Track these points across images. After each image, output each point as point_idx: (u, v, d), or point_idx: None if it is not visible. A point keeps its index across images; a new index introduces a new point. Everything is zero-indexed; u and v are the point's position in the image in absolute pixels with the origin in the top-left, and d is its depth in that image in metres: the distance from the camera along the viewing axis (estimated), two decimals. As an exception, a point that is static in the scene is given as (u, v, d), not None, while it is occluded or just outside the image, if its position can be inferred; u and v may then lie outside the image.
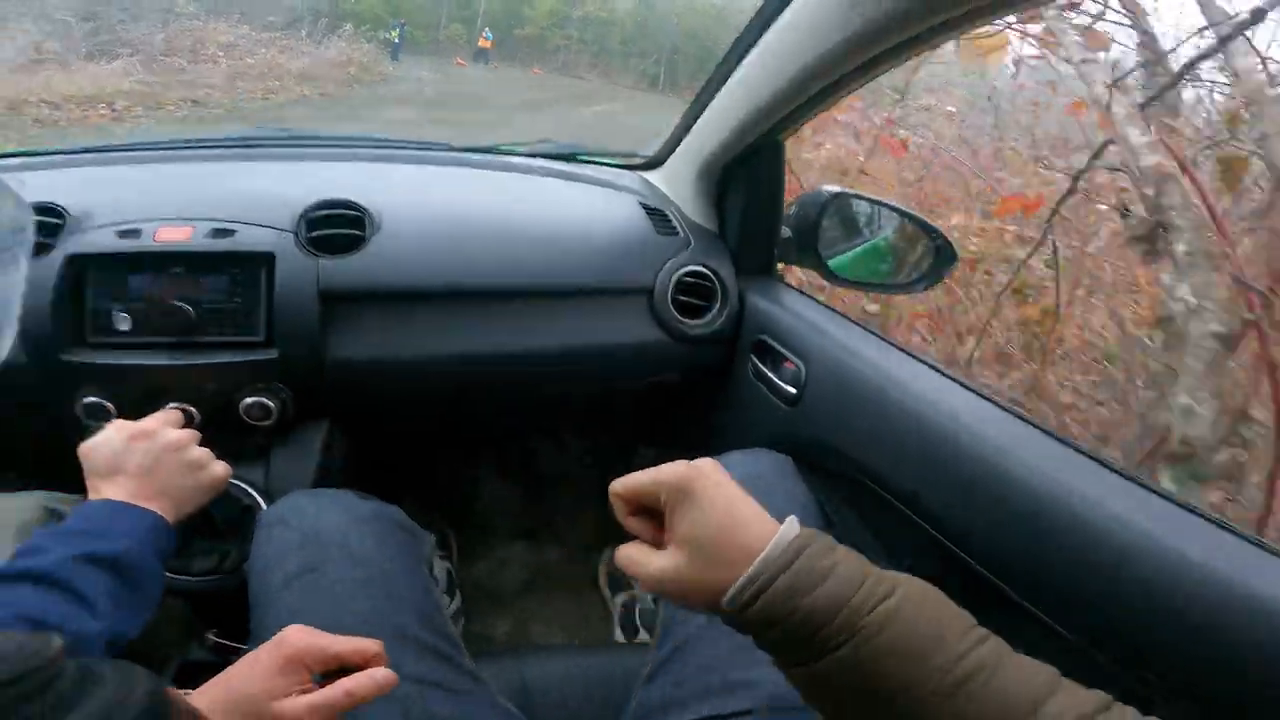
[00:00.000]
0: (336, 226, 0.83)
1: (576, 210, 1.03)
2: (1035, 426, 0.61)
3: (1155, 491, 0.51)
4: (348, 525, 0.62)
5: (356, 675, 0.42)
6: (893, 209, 1.01)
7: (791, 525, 0.35)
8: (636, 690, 0.58)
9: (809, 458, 0.86)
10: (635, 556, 0.38)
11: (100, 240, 0.74)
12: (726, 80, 0.83)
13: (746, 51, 0.77)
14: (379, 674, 0.42)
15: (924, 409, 0.66)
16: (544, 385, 0.96)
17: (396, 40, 17.28)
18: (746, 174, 0.97)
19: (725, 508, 0.36)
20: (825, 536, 0.35)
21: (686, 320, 0.96)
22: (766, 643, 0.34)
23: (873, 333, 0.83)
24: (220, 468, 0.63)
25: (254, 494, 0.79)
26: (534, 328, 0.90)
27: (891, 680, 0.30)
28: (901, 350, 0.77)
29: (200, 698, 0.41)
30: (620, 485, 0.40)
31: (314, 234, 0.81)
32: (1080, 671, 0.32)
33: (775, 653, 0.34)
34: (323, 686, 0.42)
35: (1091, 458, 0.56)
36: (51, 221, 0.78)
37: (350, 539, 0.60)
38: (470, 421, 1.12)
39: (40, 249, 0.75)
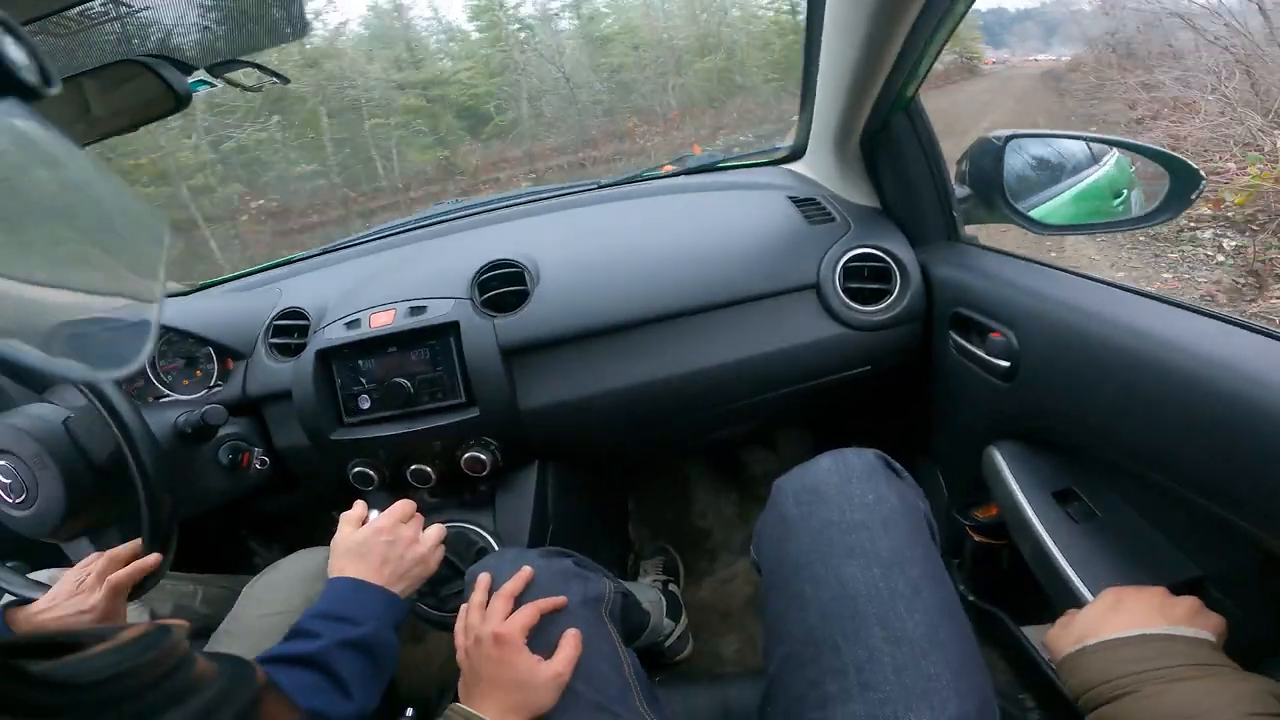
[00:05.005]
0: (505, 285, 0.95)
1: (723, 221, 1.05)
2: None
3: None
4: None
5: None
6: (1097, 140, 0.93)
7: None
8: None
9: (1042, 436, 0.78)
10: None
11: (334, 334, 0.94)
12: (819, 49, 0.81)
13: (820, 13, 0.75)
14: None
15: (1172, 355, 0.57)
16: (726, 398, 0.98)
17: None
18: (889, 140, 0.91)
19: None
20: None
21: (864, 308, 0.93)
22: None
23: (1090, 278, 0.73)
24: (436, 557, 0.78)
25: (487, 537, 0.94)
26: (700, 346, 0.93)
27: None
28: (1131, 290, 0.67)
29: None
30: None
31: (486, 296, 0.95)
32: None
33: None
34: None
35: None
36: (301, 324, 1.02)
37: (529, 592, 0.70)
38: (667, 442, 1.19)
39: (297, 349, 0.99)
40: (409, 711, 0.75)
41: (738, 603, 1.38)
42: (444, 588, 0.91)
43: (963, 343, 0.86)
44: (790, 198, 1.05)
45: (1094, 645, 0.54)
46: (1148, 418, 0.60)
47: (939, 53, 0.77)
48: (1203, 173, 0.79)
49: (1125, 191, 0.92)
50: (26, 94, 0.23)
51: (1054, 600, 0.71)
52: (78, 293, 0.25)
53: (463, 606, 0.69)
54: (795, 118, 1.08)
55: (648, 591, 1.23)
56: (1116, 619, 0.55)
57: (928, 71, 0.81)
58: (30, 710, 0.17)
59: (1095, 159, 0.97)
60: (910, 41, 0.73)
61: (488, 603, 0.67)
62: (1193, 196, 0.80)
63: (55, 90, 0.24)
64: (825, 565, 0.60)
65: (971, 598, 0.99)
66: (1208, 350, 0.55)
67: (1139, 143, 0.86)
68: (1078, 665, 0.54)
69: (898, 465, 0.70)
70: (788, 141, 1.20)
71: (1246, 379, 0.51)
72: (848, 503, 0.63)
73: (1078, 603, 0.63)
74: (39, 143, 0.25)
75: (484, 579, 0.69)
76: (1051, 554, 0.71)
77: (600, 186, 1.26)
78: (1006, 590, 0.93)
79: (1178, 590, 0.57)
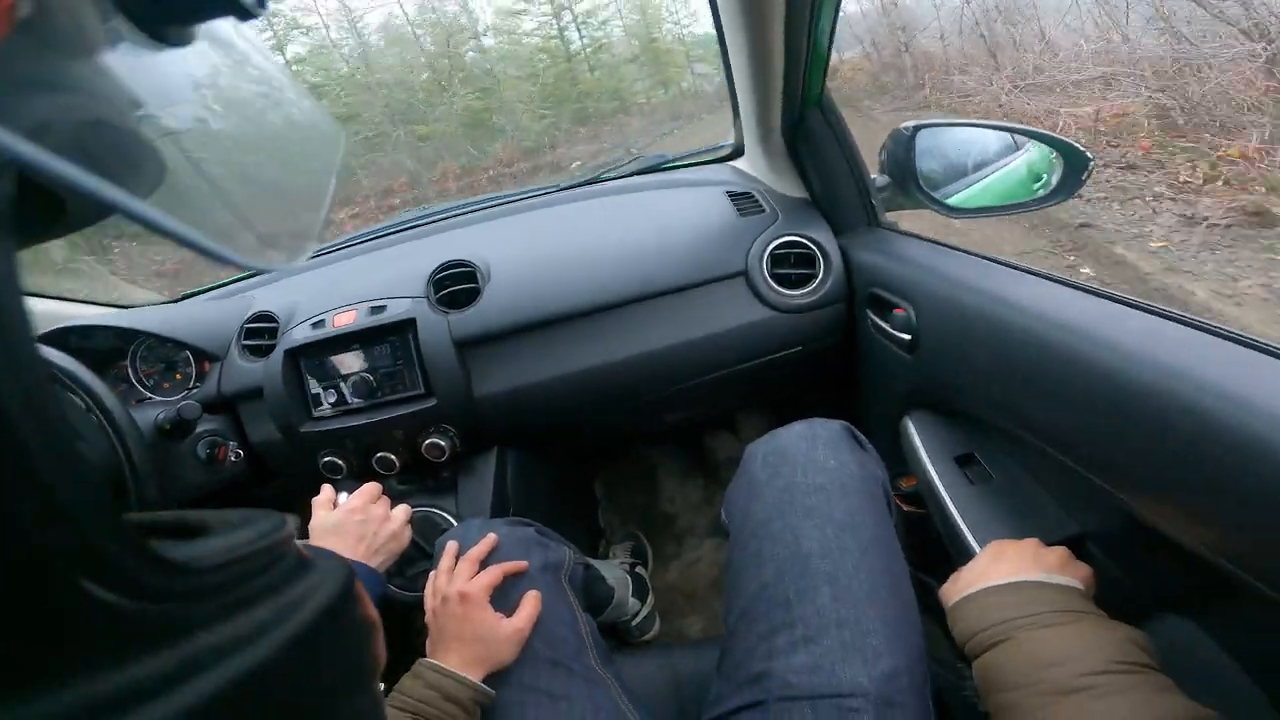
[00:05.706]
0: (458, 283, 1.03)
1: (662, 217, 1.13)
2: (1173, 319, 0.53)
3: None
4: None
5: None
6: (995, 127, 0.99)
7: None
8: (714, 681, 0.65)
9: (945, 405, 0.85)
10: None
11: (301, 334, 1.02)
12: (728, 52, 0.88)
13: (719, 17, 0.83)
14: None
15: (1038, 325, 0.62)
16: (669, 380, 1.06)
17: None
18: (807, 135, 0.99)
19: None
20: None
21: (790, 292, 1.01)
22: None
23: (986, 257, 0.79)
24: (407, 533, 0.84)
25: (450, 520, 1.01)
26: (640, 333, 1.01)
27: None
28: (1017, 268, 0.72)
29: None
30: None
31: (441, 294, 1.02)
32: None
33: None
34: None
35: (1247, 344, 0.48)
36: (271, 326, 1.09)
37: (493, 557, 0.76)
38: (619, 426, 1.27)
39: (267, 350, 1.06)
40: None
41: (702, 584, 1.45)
42: (411, 568, 0.98)
43: (878, 320, 0.93)
44: (728, 192, 1.12)
45: (973, 594, 0.57)
46: (1026, 387, 0.64)
47: (829, 45, 0.83)
48: (1089, 154, 0.86)
49: (1045, 175, 0.96)
50: (243, 14, 0.25)
51: (955, 559, 0.77)
52: (266, 194, 0.27)
53: (432, 572, 0.74)
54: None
55: (614, 569, 1.29)
56: (996, 568, 0.58)
57: (826, 64, 0.87)
58: (141, 592, 0.17)
59: (1016, 146, 1.01)
60: (790, 37, 0.80)
61: (455, 567, 0.72)
62: (1083, 177, 0.88)
63: (266, 10, 0.25)
64: (784, 523, 0.63)
65: (910, 569, 1.06)
66: (1076, 322, 0.58)
67: (1032, 129, 0.92)
68: (960, 614, 0.57)
69: (863, 437, 0.74)
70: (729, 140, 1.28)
71: (1114, 351, 0.53)
72: (812, 466, 0.67)
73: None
74: (253, 61, 0.28)
75: (452, 546, 0.75)
76: (951, 514, 0.78)
77: (560, 189, 1.35)
78: (941, 561, 1.00)
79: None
